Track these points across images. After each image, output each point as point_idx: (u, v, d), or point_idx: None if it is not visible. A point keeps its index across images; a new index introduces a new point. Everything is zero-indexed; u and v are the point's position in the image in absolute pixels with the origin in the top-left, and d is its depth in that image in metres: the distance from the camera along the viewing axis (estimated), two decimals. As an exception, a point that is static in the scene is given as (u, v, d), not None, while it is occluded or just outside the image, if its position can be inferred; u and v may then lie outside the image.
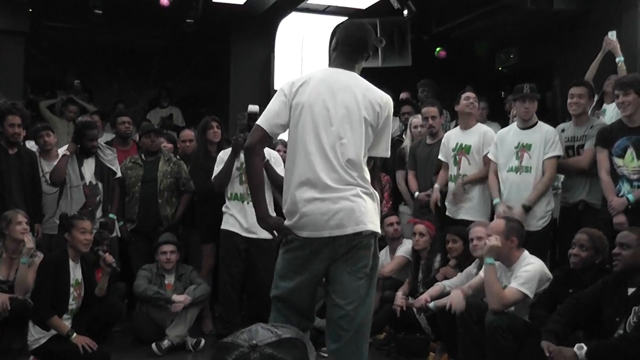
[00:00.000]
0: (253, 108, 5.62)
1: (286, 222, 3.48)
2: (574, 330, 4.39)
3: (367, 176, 3.48)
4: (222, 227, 6.12)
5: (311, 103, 3.43)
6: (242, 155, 5.91)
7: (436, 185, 6.46)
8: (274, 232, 3.60)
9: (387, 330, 6.15)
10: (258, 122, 3.48)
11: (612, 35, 6.43)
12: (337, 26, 3.83)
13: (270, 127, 3.45)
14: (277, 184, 5.14)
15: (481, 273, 5.14)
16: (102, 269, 5.77)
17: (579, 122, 5.90)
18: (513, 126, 6.10)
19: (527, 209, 5.73)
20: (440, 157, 6.48)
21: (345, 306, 3.44)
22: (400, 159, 7.15)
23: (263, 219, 3.57)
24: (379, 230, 3.51)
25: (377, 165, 3.75)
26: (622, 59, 6.32)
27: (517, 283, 4.77)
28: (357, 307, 3.45)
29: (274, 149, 6.30)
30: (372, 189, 3.49)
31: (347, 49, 3.58)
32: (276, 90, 3.61)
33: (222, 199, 6.22)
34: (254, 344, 1.59)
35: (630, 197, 5.28)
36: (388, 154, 3.68)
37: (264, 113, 3.50)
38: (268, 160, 5.61)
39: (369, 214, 3.43)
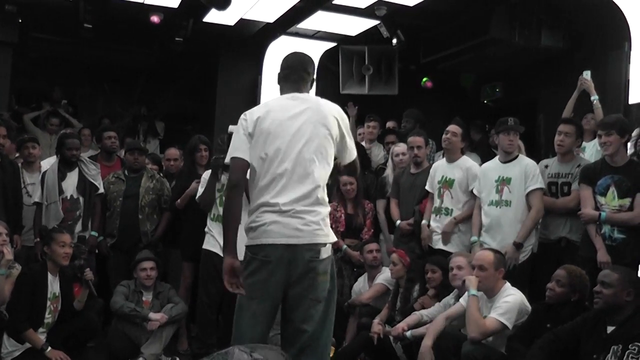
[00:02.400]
0: (233, 128, 5.63)
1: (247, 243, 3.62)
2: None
3: (326, 197, 3.67)
4: (204, 247, 6.12)
5: (275, 129, 3.58)
6: (222, 177, 5.96)
7: (424, 222, 6.45)
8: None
9: (363, 357, 6.12)
10: (234, 155, 3.58)
11: (586, 74, 6.54)
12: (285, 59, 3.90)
13: (249, 156, 3.58)
14: None
15: (462, 301, 5.17)
16: (82, 283, 5.71)
17: (564, 160, 5.94)
18: (495, 160, 6.14)
19: (519, 245, 5.75)
20: (427, 187, 6.51)
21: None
22: (381, 188, 7.17)
23: (230, 262, 3.59)
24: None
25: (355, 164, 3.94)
26: (597, 97, 6.43)
27: (496, 313, 4.80)
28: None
29: None
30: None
31: (293, 77, 3.76)
32: None
33: (204, 217, 6.22)
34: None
35: (603, 214, 5.33)
36: (354, 155, 3.87)
37: (233, 147, 3.62)
38: None
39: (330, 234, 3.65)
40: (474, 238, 6.02)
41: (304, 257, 3.53)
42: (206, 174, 6.22)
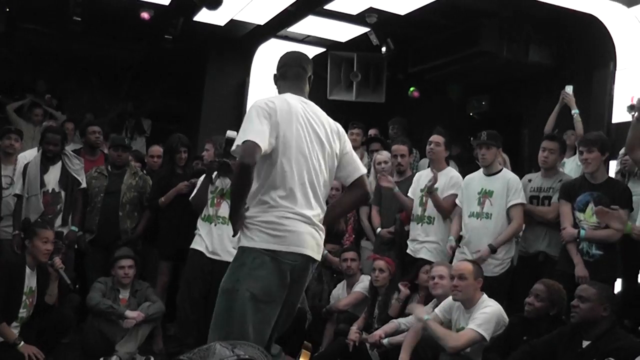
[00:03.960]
0: (231, 134, 5.64)
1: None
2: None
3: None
4: (191, 246, 6.11)
5: (295, 139, 3.44)
6: (217, 181, 5.96)
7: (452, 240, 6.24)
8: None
9: (339, 363, 6.12)
10: (252, 138, 3.29)
11: (568, 89, 6.64)
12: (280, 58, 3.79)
13: (265, 146, 3.33)
14: None
15: (437, 311, 5.19)
16: (50, 273, 5.67)
17: (547, 175, 5.99)
18: (479, 172, 6.16)
19: (493, 249, 5.78)
20: (409, 193, 6.52)
21: None
22: (364, 195, 7.16)
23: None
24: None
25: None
26: (578, 111, 6.53)
27: (474, 324, 4.83)
28: None
29: None
30: None
31: (290, 73, 3.70)
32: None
33: (184, 217, 6.22)
34: (207, 364, 1.57)
35: (582, 232, 5.37)
36: (362, 171, 3.77)
37: (254, 131, 3.32)
38: None
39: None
40: (451, 237, 6.06)
41: (310, 271, 3.54)
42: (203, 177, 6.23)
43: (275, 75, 3.77)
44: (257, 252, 3.36)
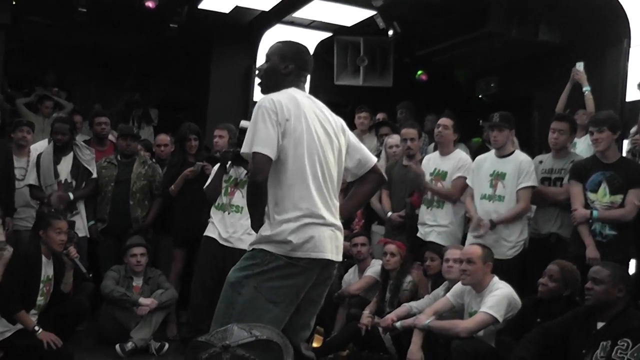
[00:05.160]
0: (245, 124, 5.64)
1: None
2: (541, 358, 4.41)
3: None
4: (205, 233, 6.12)
5: (305, 136, 3.33)
6: (231, 170, 5.96)
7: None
8: None
9: (351, 347, 6.13)
10: (260, 150, 3.19)
11: (579, 66, 6.53)
12: (281, 46, 3.54)
13: (275, 152, 3.23)
14: None
15: (448, 295, 5.20)
16: (65, 262, 5.71)
17: (558, 155, 5.94)
18: (491, 154, 6.12)
19: (493, 225, 5.75)
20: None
21: None
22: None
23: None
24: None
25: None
26: (589, 88, 6.42)
27: (485, 307, 4.83)
28: None
29: None
30: None
31: (304, 73, 3.54)
32: (255, 102, 3.51)
33: (197, 205, 6.27)
34: (226, 344, 1.58)
35: (595, 213, 5.33)
36: (374, 159, 3.68)
37: (261, 139, 3.21)
38: None
39: None
40: (479, 217, 5.89)
41: (332, 271, 3.48)
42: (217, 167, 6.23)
43: (293, 64, 3.49)
44: (273, 254, 3.27)
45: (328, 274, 3.43)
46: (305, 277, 3.31)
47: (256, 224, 3.37)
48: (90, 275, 6.14)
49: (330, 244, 3.35)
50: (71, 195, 6.56)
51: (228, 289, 3.33)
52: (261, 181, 3.21)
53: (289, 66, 3.47)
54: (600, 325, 4.30)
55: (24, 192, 6.63)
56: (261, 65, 3.56)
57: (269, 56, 3.52)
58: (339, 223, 3.43)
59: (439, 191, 6.26)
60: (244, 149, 3.26)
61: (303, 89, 3.52)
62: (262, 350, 1.57)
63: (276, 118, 3.25)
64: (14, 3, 9.22)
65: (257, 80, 3.58)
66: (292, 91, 3.42)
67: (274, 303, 3.27)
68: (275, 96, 3.32)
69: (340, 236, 3.44)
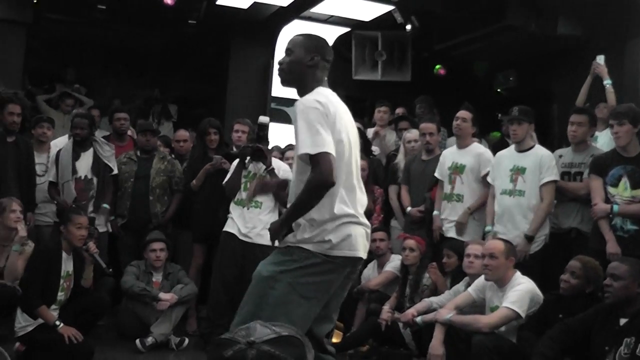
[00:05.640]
0: (264, 119, 5.70)
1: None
2: (563, 355, 4.39)
3: None
4: (224, 229, 6.13)
5: (344, 137, 3.34)
6: (251, 166, 5.99)
7: (435, 212, 6.41)
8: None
9: (371, 343, 6.14)
10: (329, 150, 3.14)
11: (600, 59, 6.47)
12: (303, 38, 3.48)
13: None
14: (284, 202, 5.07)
15: (470, 290, 5.19)
16: (85, 257, 5.75)
17: (578, 149, 5.90)
18: (511, 148, 6.09)
19: (530, 238, 5.72)
20: (436, 174, 6.47)
21: None
22: (393, 174, 7.15)
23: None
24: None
25: None
26: (610, 82, 6.36)
27: (507, 302, 4.81)
28: None
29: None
30: None
31: (327, 65, 3.50)
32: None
33: (216, 201, 6.31)
34: (251, 340, 1.59)
35: (615, 207, 5.29)
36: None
37: (325, 140, 3.16)
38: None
39: None
40: (489, 227, 5.98)
41: (358, 268, 3.52)
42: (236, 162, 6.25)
43: (322, 59, 3.45)
44: (310, 252, 3.28)
45: (355, 270, 3.46)
46: (338, 274, 3.34)
47: (287, 227, 3.32)
48: (110, 270, 6.18)
49: (363, 242, 3.39)
50: (106, 206, 6.65)
51: (260, 282, 3.32)
52: (334, 183, 3.15)
53: (314, 58, 3.42)
54: (623, 321, 4.25)
55: (44, 187, 6.68)
56: (283, 59, 3.49)
57: (290, 49, 3.46)
58: (367, 222, 3.46)
59: (475, 209, 6.22)
60: (306, 149, 3.15)
61: (326, 83, 3.50)
62: (287, 346, 1.58)
63: (326, 119, 3.23)
64: (35, 1, 9.28)
65: (279, 73, 3.52)
66: (323, 90, 3.40)
67: (306, 299, 3.29)
68: (319, 97, 3.29)
69: (369, 233, 3.47)
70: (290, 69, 3.46)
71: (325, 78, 3.49)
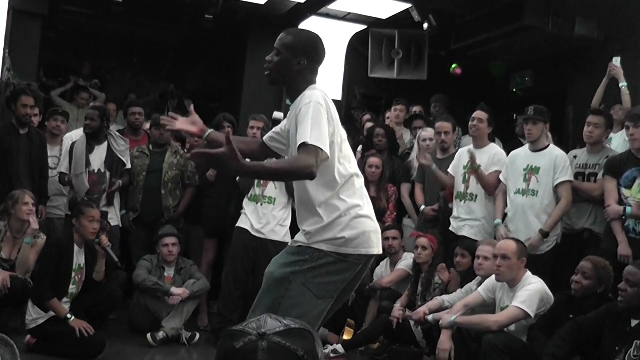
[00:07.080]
0: (278, 115, 5.71)
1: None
2: (573, 355, 4.38)
3: None
4: (237, 224, 6.16)
5: (342, 132, 3.32)
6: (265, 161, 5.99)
7: (497, 221, 6.17)
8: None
9: (382, 340, 6.13)
10: (317, 144, 3.04)
11: (616, 61, 6.45)
12: (292, 39, 3.36)
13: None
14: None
15: (480, 290, 5.17)
16: (97, 251, 5.78)
17: (593, 151, 5.89)
18: (525, 148, 6.08)
19: (545, 234, 5.70)
20: (450, 170, 6.45)
21: None
22: (406, 172, 7.14)
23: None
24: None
25: None
26: (626, 84, 6.34)
27: (517, 302, 4.80)
28: None
29: None
30: None
31: (317, 67, 3.40)
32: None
33: (228, 196, 6.31)
34: (262, 332, 1.58)
35: (629, 209, 5.28)
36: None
37: (319, 134, 3.07)
38: None
39: None
40: (498, 221, 5.99)
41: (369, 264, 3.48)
42: None
43: (312, 57, 3.34)
44: (322, 251, 3.25)
45: (366, 267, 3.42)
46: (352, 271, 3.30)
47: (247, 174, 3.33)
48: (122, 264, 6.19)
49: (376, 239, 3.35)
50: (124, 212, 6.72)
51: (273, 284, 3.27)
52: (313, 177, 3.06)
53: (301, 62, 3.30)
54: (634, 323, 4.25)
55: (57, 180, 6.70)
56: (270, 57, 3.37)
57: (279, 50, 3.34)
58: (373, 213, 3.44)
59: (481, 176, 6.11)
60: (305, 137, 3.05)
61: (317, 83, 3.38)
62: (298, 338, 1.58)
63: (331, 119, 3.19)
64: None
65: (265, 73, 3.41)
66: (321, 87, 3.34)
67: (321, 298, 3.26)
68: (321, 94, 3.22)
69: (380, 229, 3.44)
70: (277, 70, 3.36)
71: (316, 77, 3.38)
